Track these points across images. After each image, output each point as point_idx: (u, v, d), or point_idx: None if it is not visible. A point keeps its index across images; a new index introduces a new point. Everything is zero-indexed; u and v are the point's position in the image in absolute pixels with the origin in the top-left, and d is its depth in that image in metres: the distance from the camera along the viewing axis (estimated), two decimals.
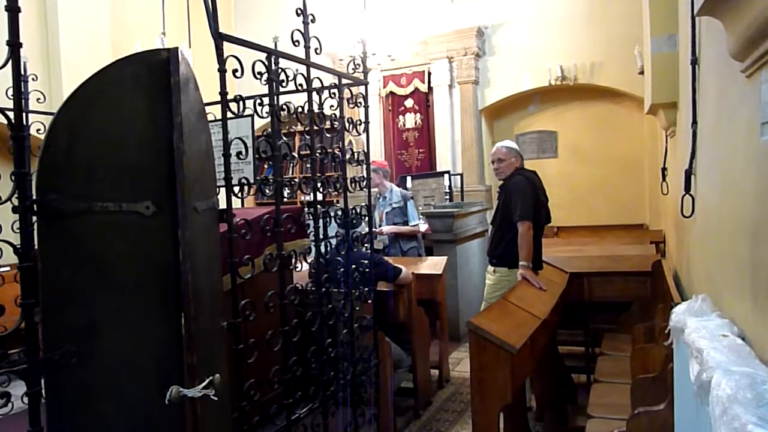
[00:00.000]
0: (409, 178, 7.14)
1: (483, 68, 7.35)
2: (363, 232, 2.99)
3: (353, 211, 2.85)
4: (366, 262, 2.98)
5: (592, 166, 7.23)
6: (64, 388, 1.47)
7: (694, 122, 2.31)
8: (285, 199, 6.88)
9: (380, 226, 5.10)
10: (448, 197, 6.87)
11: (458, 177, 7.19)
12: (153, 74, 1.58)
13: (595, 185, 7.20)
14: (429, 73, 7.50)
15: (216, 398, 1.59)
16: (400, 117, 7.83)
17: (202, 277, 1.67)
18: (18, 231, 1.42)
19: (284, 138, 2.48)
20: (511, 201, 3.63)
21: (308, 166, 2.64)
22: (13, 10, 1.39)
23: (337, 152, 2.80)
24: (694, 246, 2.57)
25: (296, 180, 2.64)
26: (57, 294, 1.44)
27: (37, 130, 3.19)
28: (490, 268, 3.83)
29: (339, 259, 2.76)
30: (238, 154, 2.11)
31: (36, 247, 1.44)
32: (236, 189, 2.11)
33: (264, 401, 2.18)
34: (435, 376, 4.32)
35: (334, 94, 2.75)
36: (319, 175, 2.63)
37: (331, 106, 2.76)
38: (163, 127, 1.57)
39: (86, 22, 5.91)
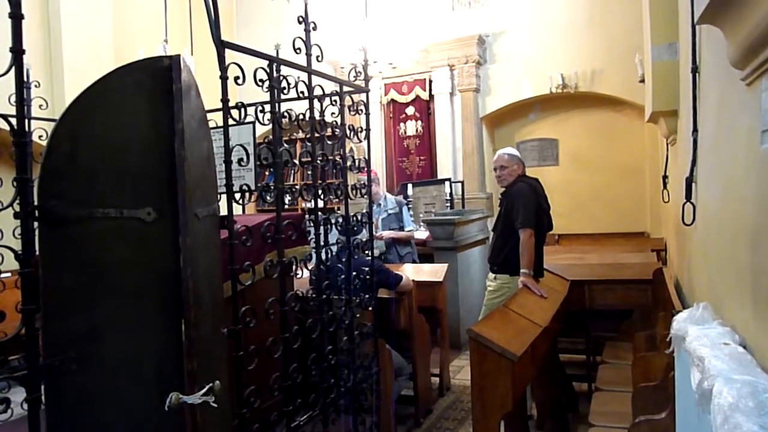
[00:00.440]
0: (410, 186, 7.15)
1: (484, 76, 7.37)
2: (363, 239, 2.99)
3: (354, 218, 2.85)
4: (367, 269, 2.98)
5: (592, 174, 7.24)
6: (64, 395, 1.47)
7: (695, 130, 2.32)
8: (286, 206, 6.90)
9: (376, 232, 5.13)
10: (449, 205, 6.87)
11: (459, 184, 7.20)
12: (155, 81, 1.58)
13: (596, 193, 7.20)
14: (430, 81, 7.52)
15: (216, 405, 1.59)
16: (401, 124, 7.85)
17: (202, 283, 1.67)
18: (19, 237, 1.42)
19: (285, 145, 2.48)
20: (513, 208, 3.63)
21: (309, 173, 2.64)
22: (16, 17, 1.40)
23: (338, 159, 2.80)
24: (695, 254, 2.57)
25: (297, 187, 2.65)
26: (58, 300, 1.44)
27: (39, 136, 3.21)
28: (491, 275, 3.82)
29: (340, 266, 2.76)
30: (240, 160, 2.12)
31: (37, 253, 1.44)
32: (237, 196, 2.12)
33: (264, 408, 2.17)
34: (436, 384, 4.30)
35: (335, 101, 2.76)
36: (320, 182, 2.63)
37: (333, 113, 2.77)
38: (164, 133, 1.57)
39: (89, 29, 5.95)
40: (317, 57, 2.53)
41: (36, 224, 1.43)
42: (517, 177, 3.75)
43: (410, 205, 6.63)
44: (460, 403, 4.15)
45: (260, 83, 2.23)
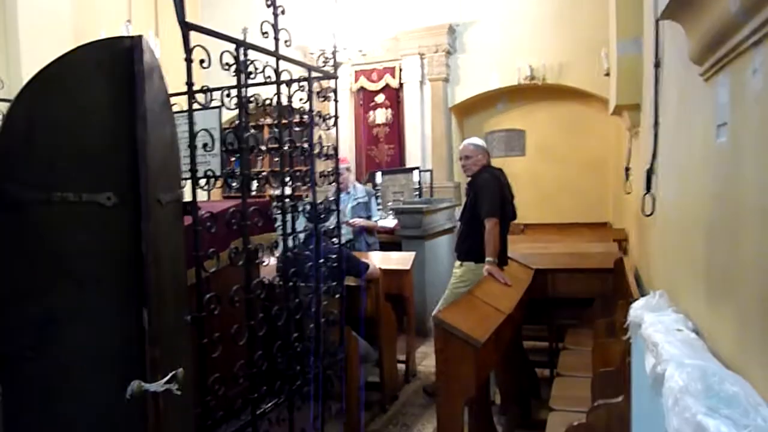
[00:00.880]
0: (378, 174, 7.15)
1: (453, 65, 7.39)
2: (331, 227, 2.98)
3: (322, 206, 2.84)
4: (334, 256, 2.98)
5: (559, 165, 7.35)
6: (22, 384, 1.43)
7: (656, 123, 2.38)
8: (253, 193, 6.82)
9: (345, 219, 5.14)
10: (417, 193, 6.90)
11: (428, 173, 7.23)
12: (116, 62, 1.54)
13: (562, 183, 7.32)
14: (400, 69, 7.51)
15: (179, 393, 1.57)
16: (371, 112, 7.82)
17: (165, 270, 1.65)
18: None
19: (252, 130, 2.45)
20: (477, 198, 3.69)
21: (277, 159, 2.62)
22: None
23: (305, 146, 2.78)
24: (653, 244, 2.64)
25: (264, 173, 2.62)
26: (13, 286, 1.40)
27: None
28: (457, 263, 3.88)
29: (307, 253, 2.75)
30: (204, 145, 2.08)
31: None
32: (202, 182, 2.09)
33: (229, 396, 2.16)
34: (402, 371, 4.34)
35: (303, 87, 2.73)
36: (287, 169, 2.61)
37: (301, 99, 2.74)
38: (125, 116, 1.53)
39: (47, 6, 5.72)
40: (286, 41, 2.50)
41: None
42: (482, 167, 3.80)
43: (379, 194, 6.63)
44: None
45: (227, 67, 2.19)
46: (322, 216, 2.86)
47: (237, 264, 2.25)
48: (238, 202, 2.31)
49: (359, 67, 7.59)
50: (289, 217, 2.63)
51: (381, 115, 7.78)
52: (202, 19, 7.80)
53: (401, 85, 7.53)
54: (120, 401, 1.48)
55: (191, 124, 1.99)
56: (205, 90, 2.09)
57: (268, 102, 2.51)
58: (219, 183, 2.37)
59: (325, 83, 2.89)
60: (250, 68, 2.30)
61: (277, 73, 2.49)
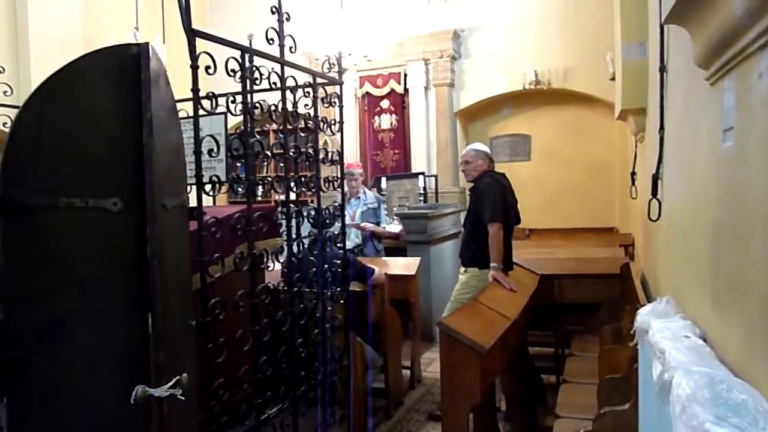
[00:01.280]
0: (384, 179, 7.15)
1: (458, 71, 7.40)
2: (336, 232, 2.98)
3: (326, 211, 2.84)
4: (339, 261, 2.97)
5: (564, 170, 7.34)
6: (26, 388, 1.43)
7: (662, 128, 2.37)
8: (259, 199, 6.84)
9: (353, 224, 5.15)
10: (422, 198, 6.90)
11: (433, 178, 7.23)
12: (123, 69, 1.55)
13: (567, 188, 7.31)
14: (405, 75, 7.53)
15: (183, 398, 1.57)
16: (376, 118, 7.84)
17: (170, 275, 1.65)
18: None
19: (257, 136, 2.45)
20: (480, 203, 3.68)
21: (282, 165, 2.62)
22: None
23: (310, 151, 2.79)
24: (660, 249, 2.63)
25: (269, 179, 2.62)
26: (19, 291, 1.41)
27: (4, 123, 3.12)
28: (462, 269, 3.87)
29: (312, 258, 2.75)
30: (210, 151, 2.09)
31: None
32: (208, 187, 2.09)
33: (233, 401, 2.16)
34: (407, 377, 4.33)
35: (308, 93, 2.74)
36: (292, 174, 2.62)
37: (306, 105, 2.75)
38: (132, 122, 1.54)
39: (57, 14, 5.78)
40: (291, 48, 2.51)
41: None
42: (484, 172, 3.79)
43: (384, 199, 6.64)
44: (431, 396, 4.18)
45: (232, 73, 2.20)
46: (327, 221, 2.86)
47: (242, 269, 2.25)
48: (244, 208, 2.31)
49: (364, 72, 7.61)
50: (293, 222, 2.63)
51: (386, 121, 7.79)
52: (210, 24, 7.86)
53: (406, 90, 7.55)
54: (124, 406, 1.48)
55: (197, 129, 1.99)
56: (210, 96, 2.10)
57: (273, 108, 2.52)
58: (225, 188, 2.38)
59: (330, 89, 2.90)
60: (256, 74, 2.31)
61: (282, 79, 2.50)
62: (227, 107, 2.29)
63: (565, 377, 3.23)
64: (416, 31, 7.26)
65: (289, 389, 2.56)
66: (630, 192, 4.05)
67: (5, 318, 1.39)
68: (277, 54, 2.46)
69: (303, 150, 2.71)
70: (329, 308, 2.84)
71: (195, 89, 1.98)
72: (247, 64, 2.25)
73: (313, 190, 2.82)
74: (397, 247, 5.69)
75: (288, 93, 2.58)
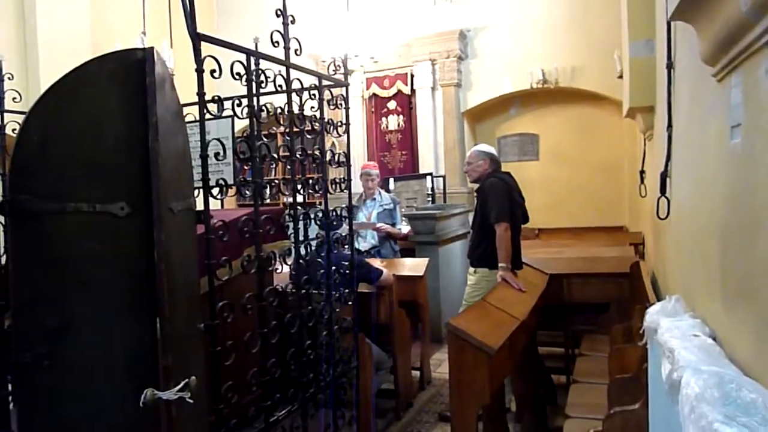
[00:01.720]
0: (391, 180, 7.15)
1: (465, 71, 7.39)
2: (344, 234, 2.98)
3: (334, 213, 2.85)
4: (347, 263, 2.98)
5: (572, 169, 7.30)
6: (36, 391, 1.45)
7: (669, 125, 2.35)
8: (267, 201, 6.85)
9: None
10: (430, 199, 6.89)
11: (440, 179, 7.22)
12: (128, 73, 1.56)
13: (576, 187, 7.27)
14: (412, 76, 7.52)
15: (192, 401, 1.57)
16: (383, 119, 7.84)
17: (177, 278, 1.65)
18: None
19: (264, 139, 2.46)
20: (486, 203, 3.67)
21: (289, 167, 2.63)
22: None
23: (317, 154, 2.79)
24: (669, 247, 2.61)
25: (276, 181, 2.63)
26: (28, 295, 1.42)
27: (13, 129, 3.14)
28: (471, 270, 3.86)
29: (320, 260, 2.76)
30: (216, 155, 2.09)
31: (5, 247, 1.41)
32: (215, 190, 2.10)
33: (242, 404, 2.16)
34: (416, 378, 4.32)
35: (314, 95, 2.74)
36: (299, 176, 2.62)
37: (312, 107, 2.75)
38: (138, 127, 1.55)
39: (65, 20, 5.83)
40: (296, 50, 2.51)
41: (3, 218, 1.40)
42: (488, 173, 3.78)
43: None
44: (441, 397, 4.17)
45: (237, 77, 2.21)
46: (335, 223, 2.86)
47: (250, 272, 2.26)
48: (251, 210, 2.32)
49: (371, 74, 7.62)
50: (301, 224, 2.63)
51: (393, 122, 7.79)
52: (217, 28, 7.91)
53: (413, 91, 7.55)
54: (133, 409, 1.49)
55: (203, 133, 2.00)
56: (216, 100, 2.10)
57: (279, 110, 2.53)
58: (232, 191, 2.39)
59: (336, 91, 2.90)
60: (261, 77, 2.31)
61: (288, 81, 2.51)
62: (233, 110, 2.30)
63: (575, 377, 3.21)
64: (422, 31, 7.26)
65: (298, 391, 2.56)
66: (639, 190, 4.03)
67: (14, 322, 1.40)
68: (283, 57, 2.46)
69: (310, 152, 2.72)
70: (337, 310, 2.84)
71: (201, 93, 1.99)
72: (253, 67, 2.26)
73: (321, 192, 2.83)
74: (405, 247, 5.68)
75: (294, 95, 2.58)
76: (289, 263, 2.69)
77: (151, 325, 1.54)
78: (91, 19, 6.11)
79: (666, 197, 2.37)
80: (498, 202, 3.60)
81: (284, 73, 2.49)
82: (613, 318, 3.71)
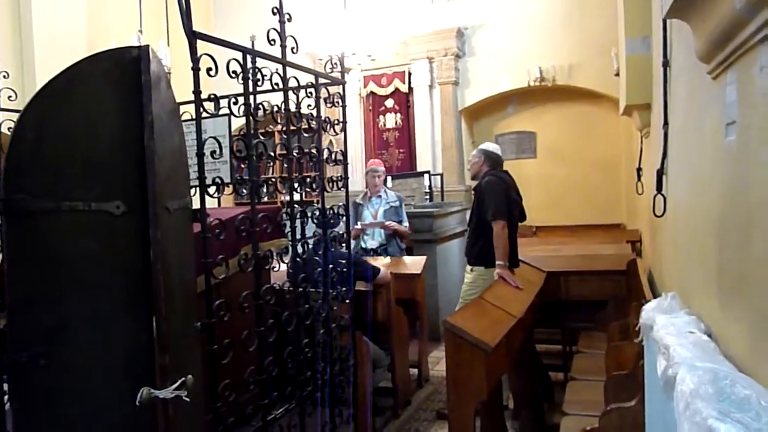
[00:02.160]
0: (389, 178, 7.14)
1: (463, 69, 7.39)
2: (340, 232, 2.98)
3: (331, 211, 2.85)
4: (344, 261, 2.98)
5: (570, 167, 7.31)
6: (32, 391, 1.44)
7: (666, 123, 2.36)
8: (265, 200, 6.83)
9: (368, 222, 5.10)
10: (428, 197, 6.89)
11: (438, 177, 7.22)
12: (123, 72, 1.55)
13: (573, 185, 7.28)
14: (409, 74, 7.52)
15: (189, 399, 1.57)
16: (381, 117, 7.84)
17: (174, 277, 1.65)
18: None
19: (261, 137, 2.46)
20: (483, 201, 3.68)
21: (285, 165, 2.63)
22: None
23: (314, 152, 2.79)
24: (666, 245, 2.61)
25: (274, 179, 2.63)
26: (24, 295, 1.42)
27: (9, 128, 3.13)
28: (468, 268, 3.86)
29: (317, 258, 2.76)
30: (212, 153, 2.09)
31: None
32: (211, 189, 2.10)
33: (239, 402, 2.16)
34: (414, 376, 4.33)
35: (311, 93, 2.74)
36: (296, 175, 2.62)
37: (309, 105, 2.75)
38: (133, 125, 1.54)
39: (61, 18, 5.81)
40: (292, 48, 2.51)
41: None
42: (485, 171, 3.79)
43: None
44: (439, 395, 4.18)
45: (234, 75, 2.20)
46: (332, 221, 2.86)
47: (246, 270, 2.26)
48: (248, 209, 2.32)
49: (368, 72, 7.61)
50: (298, 222, 2.63)
51: (391, 120, 7.79)
52: (214, 26, 7.89)
53: (411, 89, 7.55)
54: (130, 408, 1.49)
55: (199, 132, 2.00)
56: (212, 98, 2.10)
57: (276, 109, 2.53)
58: (229, 190, 2.38)
59: (333, 89, 2.90)
60: (258, 75, 2.31)
61: (284, 80, 2.50)
62: (230, 109, 2.29)
63: (572, 374, 3.21)
64: (420, 29, 7.26)
65: (295, 389, 2.56)
66: (636, 188, 4.03)
67: (9, 321, 1.40)
68: (280, 55, 2.46)
69: (307, 150, 2.71)
70: (335, 308, 2.84)
71: (197, 91, 1.99)
72: (249, 65, 2.25)
73: (318, 190, 2.83)
74: (405, 245, 5.67)
75: (291, 94, 2.58)
76: (286, 261, 2.69)
77: (148, 323, 1.54)
78: (87, 17, 6.10)
79: (662, 194, 2.37)
80: (495, 199, 3.61)
81: (281, 71, 2.48)
82: (610, 315, 3.72)
